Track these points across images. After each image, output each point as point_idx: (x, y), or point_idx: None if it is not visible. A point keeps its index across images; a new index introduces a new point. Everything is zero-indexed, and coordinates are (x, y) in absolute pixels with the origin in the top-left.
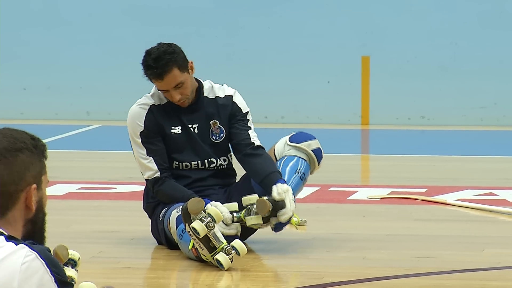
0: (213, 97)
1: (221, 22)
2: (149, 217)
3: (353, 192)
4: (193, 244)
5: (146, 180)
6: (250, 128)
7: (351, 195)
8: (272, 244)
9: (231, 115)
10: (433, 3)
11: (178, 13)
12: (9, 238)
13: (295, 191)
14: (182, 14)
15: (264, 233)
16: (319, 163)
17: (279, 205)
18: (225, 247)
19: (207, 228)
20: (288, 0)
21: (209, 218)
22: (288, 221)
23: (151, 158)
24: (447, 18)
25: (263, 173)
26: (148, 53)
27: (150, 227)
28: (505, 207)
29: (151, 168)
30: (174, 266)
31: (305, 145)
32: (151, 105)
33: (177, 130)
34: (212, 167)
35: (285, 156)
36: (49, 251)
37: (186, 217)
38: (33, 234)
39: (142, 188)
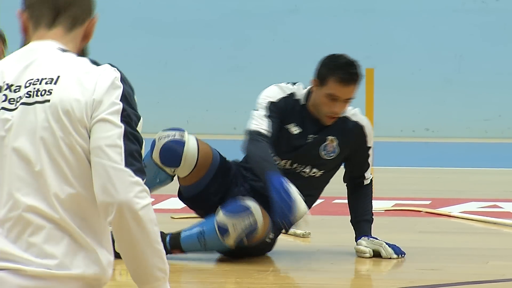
0: (342, 115)
1: (226, 35)
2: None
3: None
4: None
5: (248, 130)
6: (368, 164)
7: None
8: (277, 256)
9: (355, 144)
10: (437, 16)
11: (184, 26)
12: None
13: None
14: (187, 26)
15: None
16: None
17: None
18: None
19: None
20: (293, 13)
21: None
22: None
23: (268, 120)
24: (451, 31)
25: (358, 214)
26: (339, 55)
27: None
28: (509, 220)
29: (263, 125)
30: (177, 278)
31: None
32: (291, 94)
33: (295, 130)
34: (296, 171)
35: None
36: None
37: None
38: None
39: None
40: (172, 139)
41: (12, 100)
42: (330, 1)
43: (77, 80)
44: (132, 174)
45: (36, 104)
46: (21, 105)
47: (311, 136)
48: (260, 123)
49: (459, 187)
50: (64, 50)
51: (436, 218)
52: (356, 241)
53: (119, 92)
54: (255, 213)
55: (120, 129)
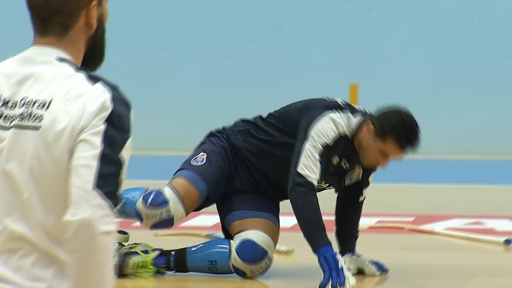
0: None
1: (213, 48)
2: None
3: None
4: None
5: (300, 174)
6: (368, 183)
7: None
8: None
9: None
10: (421, 31)
11: (171, 37)
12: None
13: None
14: (175, 38)
15: None
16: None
17: None
18: None
19: None
20: (279, 28)
21: None
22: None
23: (320, 167)
24: (435, 46)
25: (345, 229)
26: (405, 113)
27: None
28: (493, 236)
29: (316, 174)
30: None
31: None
32: (343, 133)
33: (335, 160)
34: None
35: None
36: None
37: None
38: (93, 50)
39: None
40: (159, 219)
41: (7, 117)
42: (315, 17)
43: (67, 106)
44: (100, 196)
45: (28, 130)
46: (13, 127)
47: (344, 163)
48: (314, 170)
49: (442, 204)
50: (61, 60)
51: (420, 235)
52: None
53: (106, 113)
54: (271, 255)
55: (97, 150)
